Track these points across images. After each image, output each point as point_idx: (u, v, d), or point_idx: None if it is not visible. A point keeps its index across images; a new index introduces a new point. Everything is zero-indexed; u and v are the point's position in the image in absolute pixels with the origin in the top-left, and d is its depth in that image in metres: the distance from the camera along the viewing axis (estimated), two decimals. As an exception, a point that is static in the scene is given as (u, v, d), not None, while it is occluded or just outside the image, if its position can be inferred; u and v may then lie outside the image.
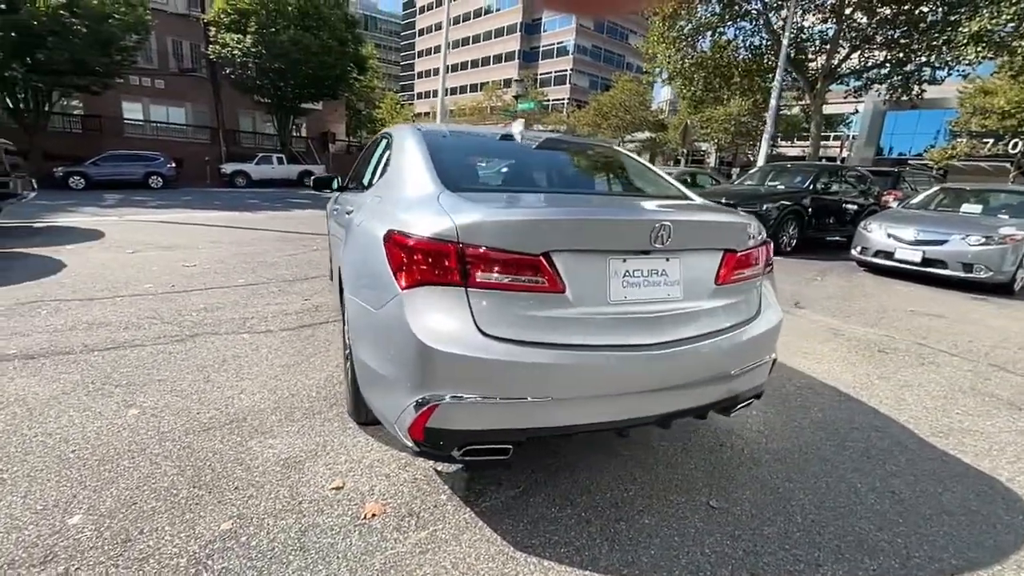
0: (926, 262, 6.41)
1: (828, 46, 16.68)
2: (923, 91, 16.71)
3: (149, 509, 1.71)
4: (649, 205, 2.08)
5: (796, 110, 25.88)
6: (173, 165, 18.11)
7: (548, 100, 53.45)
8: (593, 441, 2.29)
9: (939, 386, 3.21)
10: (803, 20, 17.03)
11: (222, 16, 20.31)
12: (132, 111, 23.78)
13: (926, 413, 2.81)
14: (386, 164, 2.51)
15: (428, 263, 1.53)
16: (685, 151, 20.50)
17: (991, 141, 27.28)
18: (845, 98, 19.87)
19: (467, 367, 1.48)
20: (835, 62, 16.64)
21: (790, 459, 2.27)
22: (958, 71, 15.65)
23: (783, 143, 35.76)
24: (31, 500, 1.72)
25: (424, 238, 1.54)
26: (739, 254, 1.88)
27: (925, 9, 14.66)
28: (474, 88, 62.10)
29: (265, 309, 4.06)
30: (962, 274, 6.14)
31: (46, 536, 1.56)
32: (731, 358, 1.82)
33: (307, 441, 2.19)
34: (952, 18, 13.91)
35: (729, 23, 17.51)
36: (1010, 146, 25.64)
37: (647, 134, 37.95)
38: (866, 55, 16.92)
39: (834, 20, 16.33)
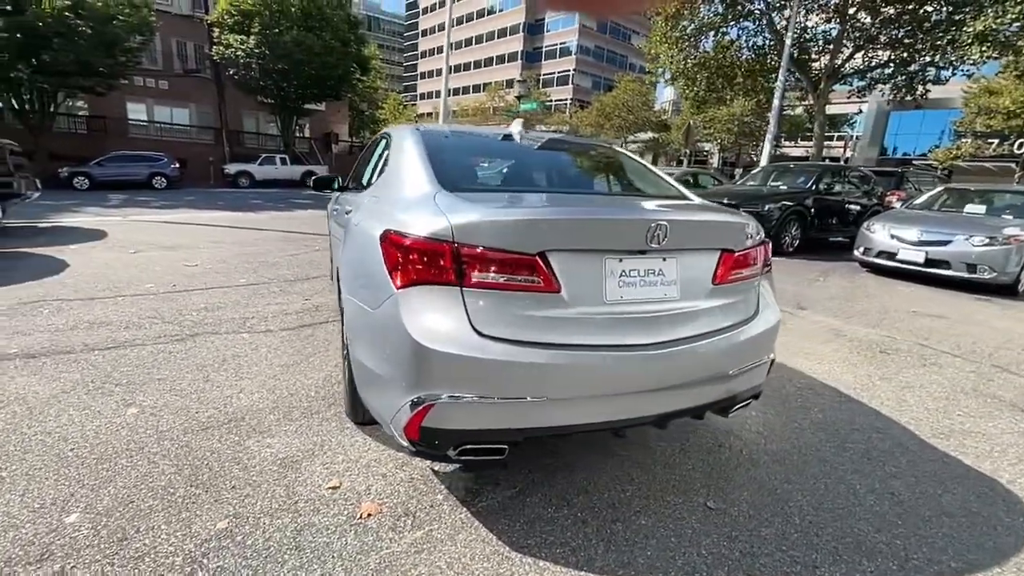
0: (929, 263, 6.38)
1: (831, 46, 16.62)
2: (927, 91, 16.63)
3: (146, 508, 1.72)
4: (646, 205, 2.07)
5: (799, 110, 25.78)
6: (177, 166, 18.18)
7: (551, 101, 53.47)
8: (591, 441, 2.28)
9: (941, 387, 3.19)
10: (806, 20, 16.98)
11: (226, 17, 20.39)
12: (136, 112, 23.91)
13: (927, 414, 2.80)
14: (384, 164, 2.51)
15: (423, 263, 1.53)
16: (688, 152, 20.44)
17: (996, 141, 27.15)
18: (849, 98, 19.83)
19: (462, 367, 1.47)
20: (838, 62, 16.58)
21: (789, 460, 2.26)
22: (962, 71, 15.55)
23: (787, 143, 35.67)
24: (29, 498, 1.73)
25: (420, 237, 1.54)
26: (737, 254, 1.87)
27: (929, 8, 14.59)
28: (477, 89, 62.15)
29: (266, 309, 4.07)
30: (966, 275, 6.11)
31: (43, 534, 1.57)
32: (729, 358, 1.81)
33: (305, 441, 2.19)
34: (957, 17, 13.83)
35: (732, 23, 17.46)
36: (1015, 146, 25.50)
37: (650, 134, 37.90)
38: (870, 55, 16.85)
39: (837, 20, 16.26)
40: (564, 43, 59.95)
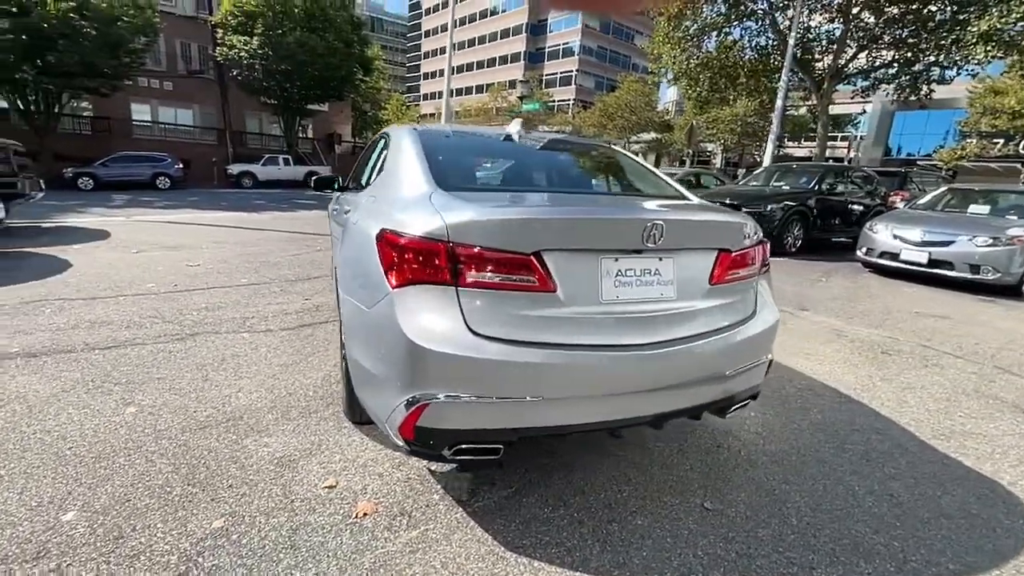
0: (932, 263, 6.34)
1: (835, 46, 16.55)
2: (932, 91, 16.54)
3: (143, 506, 1.72)
4: (642, 204, 2.07)
5: (803, 110, 25.69)
6: (180, 166, 18.27)
7: (553, 101, 53.43)
8: (589, 442, 2.28)
9: (942, 388, 3.17)
10: (809, 20, 16.91)
11: (229, 18, 20.46)
12: (140, 113, 24.01)
13: (928, 416, 2.78)
14: (382, 164, 2.51)
15: (419, 262, 1.53)
16: (690, 152, 20.39)
17: (1001, 141, 26.97)
18: (852, 98, 19.75)
19: (457, 366, 1.47)
20: (842, 62, 16.50)
21: (787, 461, 2.25)
22: (967, 71, 15.46)
23: (790, 144, 35.54)
24: (27, 496, 1.74)
25: (415, 237, 1.54)
26: (734, 254, 1.87)
27: (933, 8, 14.51)
28: (480, 89, 62.19)
29: (266, 308, 4.08)
30: (969, 275, 6.07)
31: (40, 532, 1.58)
32: (726, 358, 1.80)
33: (302, 440, 2.19)
34: (961, 17, 13.76)
35: (735, 23, 17.41)
36: (1021, 146, 25.34)
37: (653, 135, 37.82)
38: (873, 55, 16.77)
39: (841, 20, 16.19)
40: (567, 43, 59.90)
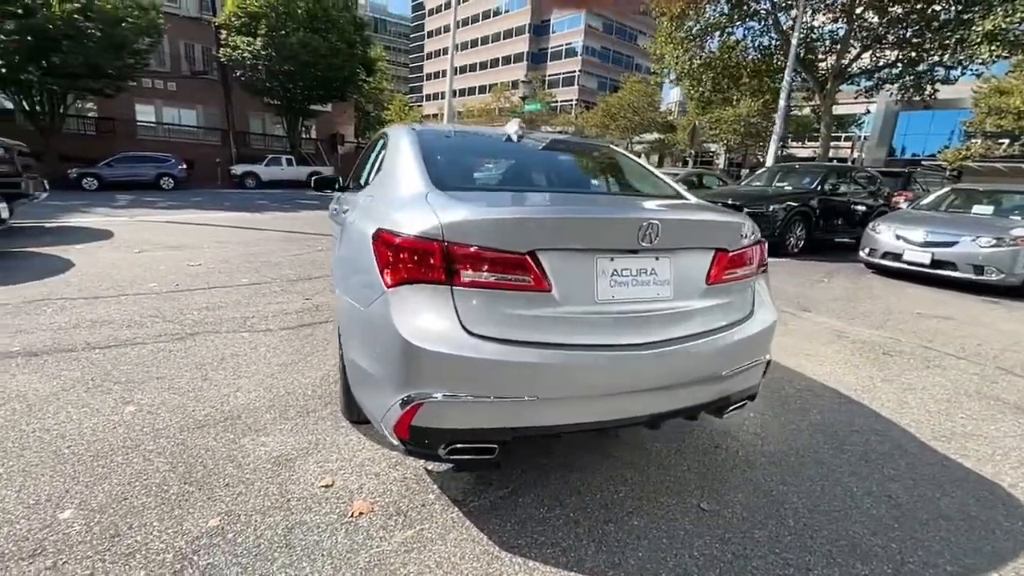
0: (935, 264, 6.30)
1: (838, 46, 16.49)
2: (936, 91, 16.45)
3: (139, 505, 1.73)
4: (638, 204, 2.07)
5: (806, 111, 25.62)
6: (184, 167, 18.36)
7: (556, 101, 53.47)
8: (586, 442, 2.27)
9: (944, 389, 3.15)
10: (813, 20, 16.85)
11: (233, 19, 20.54)
12: (145, 113, 24.12)
13: (929, 417, 2.76)
14: (380, 164, 2.52)
15: (413, 261, 1.53)
16: (693, 152, 20.37)
17: (1007, 142, 26.82)
18: (856, 98, 19.60)
19: (452, 366, 1.47)
20: (845, 62, 16.45)
21: (785, 462, 2.24)
22: (971, 70, 15.38)
23: (794, 144, 35.43)
24: (24, 495, 1.74)
25: (410, 236, 1.54)
26: (731, 253, 1.86)
27: (937, 8, 14.44)
28: (483, 90, 62.26)
29: (266, 308, 4.09)
30: (972, 276, 6.03)
31: (37, 530, 1.58)
32: (722, 358, 1.80)
33: (299, 439, 2.20)
34: (965, 16, 13.68)
35: (738, 23, 17.36)
36: (1026, 147, 25.21)
37: (656, 135, 37.81)
38: (877, 55, 16.71)
39: (844, 19, 16.13)
40: (570, 44, 59.90)
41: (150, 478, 1.87)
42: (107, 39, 15.41)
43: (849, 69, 16.74)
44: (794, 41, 13.72)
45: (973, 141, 27.69)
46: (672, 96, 47.35)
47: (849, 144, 35.74)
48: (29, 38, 14.11)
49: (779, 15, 16.67)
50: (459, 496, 1.87)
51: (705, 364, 1.76)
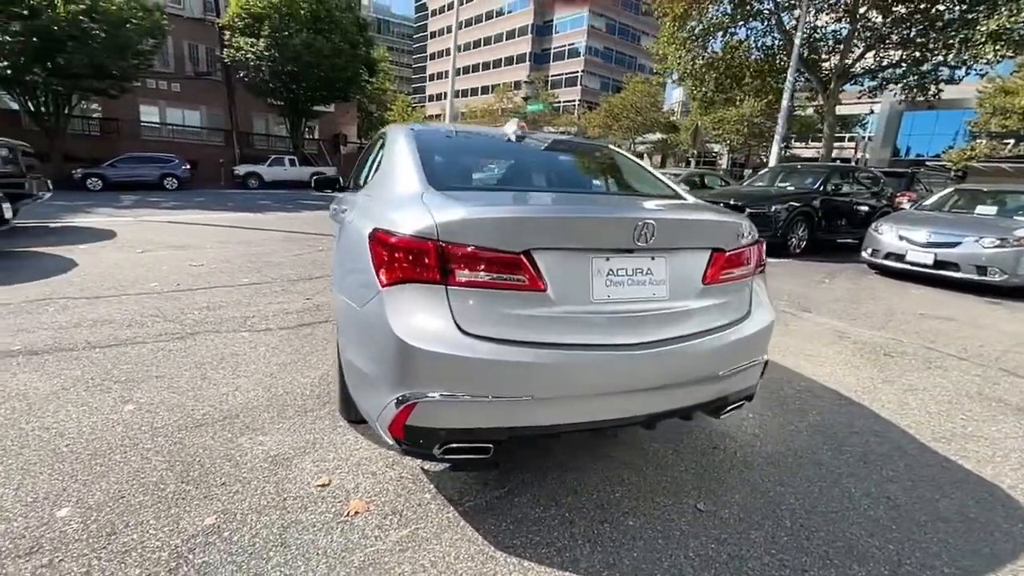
0: (938, 264, 6.27)
1: (842, 46, 16.42)
2: (940, 91, 16.37)
3: (136, 503, 1.73)
4: (634, 204, 2.06)
5: (810, 111, 25.53)
6: (188, 167, 18.45)
7: (559, 102, 53.41)
8: (584, 442, 2.27)
9: (945, 391, 3.13)
10: (816, 19, 16.80)
11: (236, 20, 20.62)
12: (149, 114, 24.25)
13: (929, 418, 2.75)
14: (379, 164, 2.52)
15: (408, 260, 1.53)
16: (696, 152, 20.32)
17: (1012, 142, 26.67)
18: (860, 98, 19.54)
19: (447, 365, 1.47)
20: (849, 62, 16.38)
21: (783, 463, 2.23)
22: (976, 70, 15.30)
23: (797, 144, 35.32)
24: (23, 492, 1.75)
25: (405, 236, 1.54)
26: (728, 253, 1.86)
27: (941, 7, 14.37)
28: (486, 90, 62.28)
29: (267, 308, 4.11)
30: (975, 277, 6.00)
31: (34, 528, 1.59)
32: (719, 359, 1.79)
33: (297, 438, 2.20)
34: (970, 16, 13.61)
35: (740, 23, 17.31)
36: (1031, 147, 25.06)
37: (658, 135, 37.74)
38: (881, 55, 16.63)
39: (848, 19, 16.08)
40: (573, 44, 59.84)
41: (147, 476, 1.88)
42: (112, 40, 15.51)
43: (853, 69, 16.67)
44: (797, 41, 13.68)
45: (978, 141, 27.54)
46: (675, 96, 47.24)
47: (853, 144, 35.64)
48: (34, 39, 14.22)
49: (782, 15, 16.63)
50: (455, 496, 1.87)
51: (702, 364, 1.76)
